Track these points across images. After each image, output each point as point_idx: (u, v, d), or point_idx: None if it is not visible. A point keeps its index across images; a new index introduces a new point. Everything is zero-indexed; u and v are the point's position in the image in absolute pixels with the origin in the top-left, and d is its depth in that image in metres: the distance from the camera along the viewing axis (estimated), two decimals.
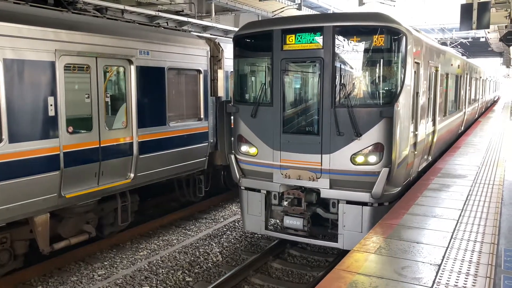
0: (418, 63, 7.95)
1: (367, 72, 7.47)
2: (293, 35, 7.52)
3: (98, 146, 8.19)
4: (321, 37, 7.33)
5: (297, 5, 20.39)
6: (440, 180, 8.80)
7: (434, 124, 10.15)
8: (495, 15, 15.86)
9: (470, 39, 36.91)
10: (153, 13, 14.45)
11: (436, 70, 10.12)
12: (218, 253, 8.99)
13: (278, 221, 8.41)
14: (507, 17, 15.54)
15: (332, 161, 7.37)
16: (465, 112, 16.70)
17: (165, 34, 10.03)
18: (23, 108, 6.87)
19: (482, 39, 35.16)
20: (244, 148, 8.23)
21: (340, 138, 7.27)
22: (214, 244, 9.52)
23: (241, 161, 8.32)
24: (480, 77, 23.30)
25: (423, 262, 4.91)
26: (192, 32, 11.96)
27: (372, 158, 7.18)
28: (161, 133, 9.65)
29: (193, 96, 10.87)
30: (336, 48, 7.26)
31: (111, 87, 9.31)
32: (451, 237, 5.68)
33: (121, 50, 8.55)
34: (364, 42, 7.21)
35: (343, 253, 7.54)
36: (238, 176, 8.36)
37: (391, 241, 5.51)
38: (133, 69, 8.82)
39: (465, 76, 16.25)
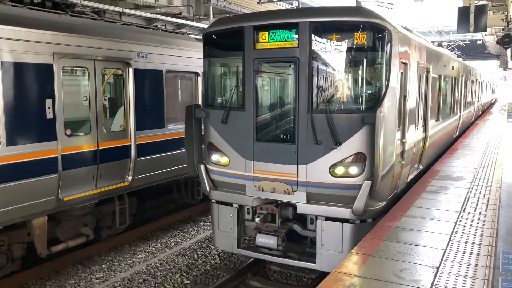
0: (405, 64, 7.30)
1: (347, 74, 6.74)
2: (266, 32, 6.74)
3: (96, 148, 8.19)
4: (297, 34, 6.56)
5: (295, 7, 20.44)
6: (438, 182, 8.82)
7: (425, 130, 9.41)
8: (492, 18, 15.94)
9: (467, 42, 37.07)
10: (151, 15, 14.46)
11: (428, 72, 9.46)
12: (216, 256, 8.98)
13: (252, 238, 7.51)
14: (504, 20, 15.62)
15: (309, 173, 6.61)
16: (460, 116, 16.01)
17: (163, 36, 10.05)
18: (21, 110, 6.86)
19: (479, 42, 35.30)
20: (215, 157, 7.43)
21: (317, 147, 6.52)
22: (212, 246, 9.51)
23: (212, 171, 7.51)
24: (477, 80, 22.71)
25: (421, 265, 4.92)
26: (190, 35, 11.98)
27: (353, 170, 6.45)
28: (159, 135, 9.65)
29: (191, 98, 10.88)
30: (313, 47, 6.50)
31: (109, 89, 9.31)
32: (449, 239, 5.69)
33: (119, 52, 8.55)
34: (344, 40, 6.46)
35: (323, 273, 6.81)
36: (207, 188, 7.55)
37: (389, 243, 5.52)
38: (131, 71, 8.82)
39: (460, 78, 15.61)
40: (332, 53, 6.57)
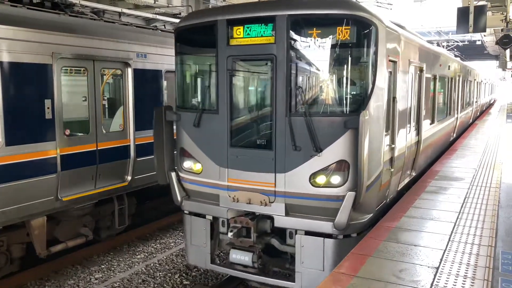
0: (394, 62, 6.75)
1: (329, 73, 6.14)
2: (241, 27, 6.14)
3: (95, 149, 8.18)
4: (274, 29, 5.96)
5: None
6: (437, 183, 8.82)
7: (418, 134, 8.83)
8: (492, 19, 15.97)
9: (466, 42, 37.11)
10: (150, 16, 14.45)
11: (421, 72, 8.88)
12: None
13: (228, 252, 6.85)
14: (503, 21, 15.64)
15: (288, 182, 6.05)
16: (457, 118, 15.42)
17: (163, 37, 10.04)
18: (20, 110, 6.85)
19: (478, 42, 35.34)
20: (187, 164, 6.85)
21: (297, 154, 5.94)
22: None
23: (184, 179, 6.94)
24: (475, 80, 22.19)
25: (421, 265, 4.91)
26: None
27: (336, 179, 5.88)
28: None
29: None
30: (291, 43, 5.92)
31: (108, 90, 9.31)
32: (449, 240, 5.69)
33: (118, 53, 8.54)
34: (325, 35, 5.82)
35: None
36: (178, 198, 6.96)
37: (389, 244, 5.52)
38: (130, 72, 8.81)
39: (458, 78, 15.06)
40: (313, 49, 5.97)
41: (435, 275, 4.66)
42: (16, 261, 7.70)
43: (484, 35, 26.01)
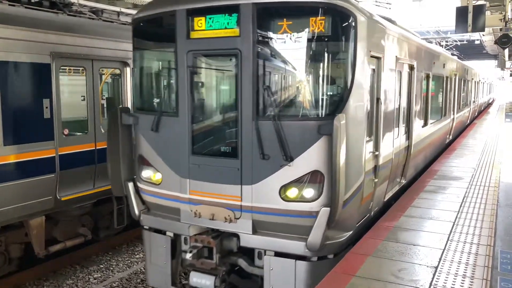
0: (378, 59, 6.10)
1: (301, 70, 5.41)
2: (203, 18, 5.40)
3: (94, 148, 8.17)
4: (238, 19, 5.23)
5: None
6: (436, 182, 8.82)
7: (408, 138, 8.16)
8: (490, 18, 15.98)
9: (465, 42, 37.15)
10: None
11: (412, 69, 8.15)
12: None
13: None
14: (502, 20, 15.65)
15: (256, 195, 5.32)
16: (453, 119, 14.66)
17: None
18: (18, 110, 6.83)
19: (477, 42, 35.38)
20: (146, 173, 6.12)
21: (265, 164, 5.22)
22: None
23: (143, 191, 6.20)
24: (472, 79, 21.49)
25: (420, 264, 4.91)
26: None
27: (309, 192, 5.16)
28: None
29: None
30: (258, 36, 5.19)
31: (107, 89, 9.29)
32: (448, 239, 5.69)
33: (117, 52, 8.53)
34: (297, 27, 5.08)
35: None
36: (136, 212, 6.25)
37: (388, 243, 5.52)
38: (128, 71, 8.80)
39: (454, 77, 14.29)
40: (283, 44, 5.24)
41: (434, 275, 4.66)
42: (15, 261, 7.69)
43: (483, 35, 26.04)
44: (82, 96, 8.14)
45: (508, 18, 15.42)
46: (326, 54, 5.19)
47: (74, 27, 7.87)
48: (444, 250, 5.34)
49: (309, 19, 5.02)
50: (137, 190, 6.31)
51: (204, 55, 5.66)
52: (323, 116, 5.13)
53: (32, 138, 7.04)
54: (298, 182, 5.17)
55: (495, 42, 17.74)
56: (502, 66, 43.62)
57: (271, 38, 5.28)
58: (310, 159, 5.09)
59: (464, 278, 4.59)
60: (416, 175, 9.44)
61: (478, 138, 16.21)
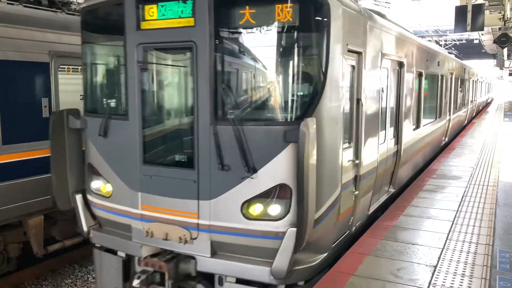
0: (359, 54, 5.45)
1: (266, 66, 4.74)
2: (154, 6, 4.72)
3: None
4: (193, 7, 4.54)
5: None
6: (435, 182, 8.83)
7: (397, 142, 7.52)
8: (489, 17, 15.99)
9: (463, 41, 37.17)
10: None
11: (401, 67, 7.46)
12: None
13: None
14: (501, 19, 15.66)
15: (215, 212, 4.62)
16: (449, 120, 13.96)
17: None
18: (17, 109, 6.82)
19: (476, 41, 35.40)
20: (96, 184, 5.43)
21: (225, 175, 4.52)
22: None
23: (93, 204, 5.51)
24: (470, 78, 20.74)
25: (419, 264, 4.92)
26: None
27: (274, 209, 4.44)
28: None
29: None
30: (216, 27, 4.47)
31: None
32: (447, 238, 5.69)
33: None
34: (261, 16, 4.40)
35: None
36: (84, 228, 5.52)
37: (387, 243, 5.52)
38: None
39: (450, 76, 13.56)
40: (245, 35, 4.58)
41: (433, 274, 4.66)
42: (13, 261, 7.68)
43: (482, 34, 26.05)
44: (81, 95, 8.12)
45: (507, 18, 15.43)
46: (294, 48, 4.47)
47: (73, 25, 7.85)
48: (443, 249, 5.34)
49: (275, 6, 4.31)
50: (86, 203, 5.57)
51: (156, 48, 4.91)
52: (291, 120, 4.41)
53: (31, 137, 7.02)
54: (263, 197, 4.44)
55: (494, 42, 17.76)
56: (500, 65, 43.66)
57: (231, 29, 4.57)
58: (276, 170, 4.39)
59: (463, 277, 4.60)
60: (408, 181, 8.86)
61: (477, 137, 16.22)
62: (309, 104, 4.46)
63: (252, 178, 4.43)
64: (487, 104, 43.05)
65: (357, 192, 5.59)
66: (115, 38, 5.18)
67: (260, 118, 4.60)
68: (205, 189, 4.64)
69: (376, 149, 6.31)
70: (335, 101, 4.75)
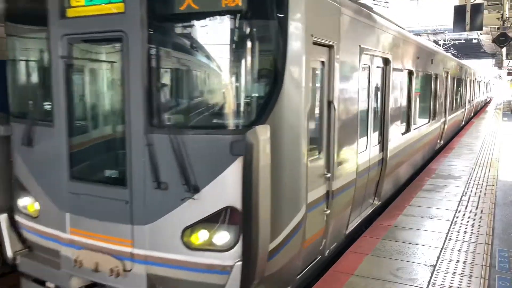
0: (330, 47, 4.64)
1: (211, 62, 3.92)
2: None
3: None
4: None
5: None
6: (434, 181, 8.83)
7: (383, 149, 6.77)
8: (488, 17, 16.00)
9: (462, 41, 37.21)
10: None
11: (387, 64, 6.68)
12: None
13: None
14: (500, 19, 15.68)
15: (151, 240, 3.81)
16: (445, 121, 13.11)
17: None
18: None
19: (475, 41, 35.45)
20: (22, 201, 4.60)
21: (162, 195, 3.71)
22: None
23: (20, 225, 4.68)
24: (467, 77, 19.90)
25: (418, 263, 4.92)
26: None
27: (221, 238, 3.63)
28: None
29: None
30: (151, 13, 3.68)
31: None
32: (446, 238, 5.70)
33: None
34: (205, 1, 3.63)
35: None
36: (9, 253, 4.65)
37: (386, 242, 5.52)
38: None
39: (446, 75, 12.83)
40: (185, 24, 3.83)
41: (432, 273, 4.67)
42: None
43: (481, 34, 26.09)
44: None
45: (506, 17, 15.45)
46: (245, 38, 3.58)
47: None
48: (442, 248, 5.34)
49: None
50: (13, 224, 4.73)
51: (83, 40, 4.07)
52: (240, 128, 3.56)
53: None
54: (207, 222, 3.63)
55: (493, 41, 17.78)
56: (499, 65, 43.73)
57: (168, 16, 3.76)
58: (223, 190, 3.56)
59: (462, 276, 4.60)
60: (396, 191, 8.10)
61: (476, 136, 16.24)
62: (263, 108, 3.63)
63: (193, 199, 3.60)
64: (486, 104, 43.11)
65: (329, 211, 4.79)
66: (38, 30, 4.30)
67: (204, 125, 3.77)
68: (140, 212, 3.80)
69: (354, 158, 5.55)
70: (297, 104, 3.95)
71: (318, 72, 4.54)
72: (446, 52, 20.76)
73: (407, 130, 8.40)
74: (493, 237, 5.79)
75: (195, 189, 3.60)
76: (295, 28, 3.85)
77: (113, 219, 3.93)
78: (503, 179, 9.15)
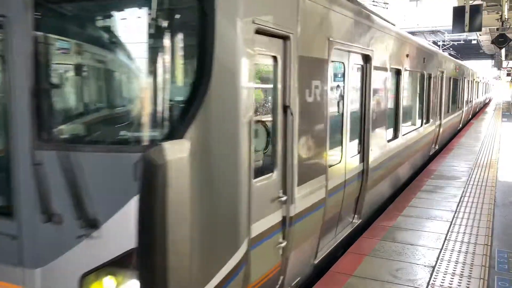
0: (285, 39, 3.73)
1: (115, 55, 3.06)
2: None
3: None
4: None
5: None
6: (433, 182, 8.84)
7: (363, 160, 5.90)
8: (487, 18, 16.04)
9: (462, 42, 37.26)
10: None
11: (367, 62, 5.81)
12: None
13: None
14: (499, 20, 15.70)
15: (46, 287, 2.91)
16: (440, 124, 12.35)
17: None
18: None
19: (474, 42, 35.50)
20: None
21: (55, 230, 2.83)
22: None
23: None
24: (465, 78, 19.20)
25: (417, 264, 4.92)
26: None
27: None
28: None
29: None
30: None
31: None
32: (445, 239, 5.70)
33: None
34: None
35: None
36: None
37: (385, 243, 5.52)
38: None
39: (441, 75, 12.05)
40: (82, 9, 3.01)
41: (431, 274, 4.67)
42: None
43: (480, 35, 26.12)
44: None
45: (505, 18, 15.47)
46: (157, 25, 2.74)
47: None
48: (441, 249, 5.35)
49: None
50: None
51: None
52: (151, 143, 2.64)
53: None
54: (111, 268, 2.74)
55: (492, 42, 17.80)
56: (498, 65, 43.77)
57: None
58: (129, 226, 2.60)
59: (461, 277, 4.60)
60: (383, 204, 7.30)
61: (475, 137, 16.25)
62: (182, 117, 2.70)
63: (94, 237, 2.72)
64: (485, 105, 43.13)
65: (285, 243, 3.87)
66: None
67: (107, 139, 2.88)
68: (30, 251, 2.92)
69: (323, 174, 4.57)
70: (232, 110, 3.02)
71: (268, 70, 3.66)
72: (444, 52, 20.29)
73: (395, 136, 7.58)
74: (492, 238, 5.79)
75: (93, 225, 2.69)
76: (226, 10, 2.88)
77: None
78: (503, 180, 9.15)
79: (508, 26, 16.01)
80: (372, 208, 6.65)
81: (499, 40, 15.86)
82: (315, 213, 4.44)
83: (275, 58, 3.68)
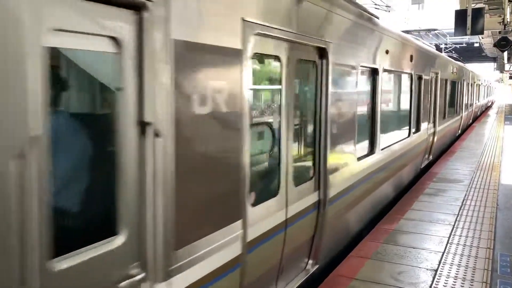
0: (140, 9, 2.17)
1: None
2: None
3: None
4: None
5: None
6: (435, 185, 8.82)
7: (320, 187, 4.52)
8: (489, 21, 16.04)
9: (464, 45, 37.26)
10: None
11: (322, 58, 4.40)
12: None
13: None
14: (501, 23, 15.71)
15: None
16: (434, 132, 11.13)
17: None
18: None
19: (476, 45, 35.50)
20: None
21: None
22: None
23: None
24: (464, 80, 18.35)
25: (420, 267, 4.91)
26: None
27: None
28: None
29: None
30: None
31: None
32: (447, 242, 5.69)
33: None
34: None
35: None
36: None
37: (387, 246, 5.51)
38: None
39: (435, 77, 10.89)
40: None
41: (434, 278, 4.66)
42: None
43: (482, 37, 26.12)
44: None
45: (507, 21, 15.47)
46: None
47: None
48: (444, 253, 5.34)
49: None
50: None
51: None
52: None
53: None
54: None
55: (494, 45, 17.80)
56: (501, 68, 43.74)
57: None
58: None
59: (464, 281, 4.59)
60: (356, 237, 5.95)
61: (477, 140, 16.22)
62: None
63: None
64: (487, 108, 43.05)
65: None
66: None
67: None
68: None
69: (236, 221, 3.07)
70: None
71: (98, 62, 2.26)
72: (443, 54, 19.38)
73: (370, 151, 6.22)
74: (495, 241, 5.78)
75: None
76: None
77: None
78: (505, 183, 9.14)
79: (510, 29, 16.01)
80: (340, 244, 5.37)
81: (501, 43, 15.86)
82: (228, 277, 3.01)
83: (116, 41, 2.10)
